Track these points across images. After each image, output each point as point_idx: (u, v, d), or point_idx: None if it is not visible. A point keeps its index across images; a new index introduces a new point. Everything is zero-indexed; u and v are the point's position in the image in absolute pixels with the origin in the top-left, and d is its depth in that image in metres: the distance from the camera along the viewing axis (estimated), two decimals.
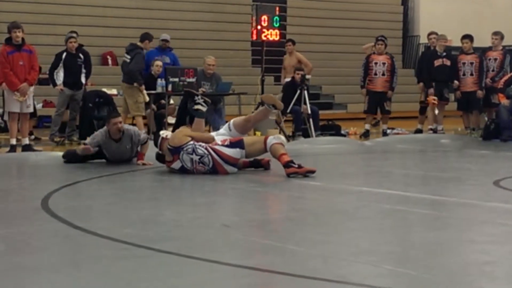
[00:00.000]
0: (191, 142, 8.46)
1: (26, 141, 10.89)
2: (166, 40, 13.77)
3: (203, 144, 8.47)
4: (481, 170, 9.24)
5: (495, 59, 14.00)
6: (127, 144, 9.50)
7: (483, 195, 7.25)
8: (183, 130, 8.94)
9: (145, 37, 13.06)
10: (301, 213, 6.38)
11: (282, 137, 8.53)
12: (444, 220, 6.08)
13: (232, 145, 8.49)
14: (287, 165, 8.22)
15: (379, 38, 14.78)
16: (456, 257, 4.82)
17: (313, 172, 8.25)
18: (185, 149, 8.43)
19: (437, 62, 14.25)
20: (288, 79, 14.66)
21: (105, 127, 9.59)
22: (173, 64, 13.56)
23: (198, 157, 8.41)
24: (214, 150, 8.41)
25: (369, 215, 6.34)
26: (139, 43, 12.98)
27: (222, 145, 8.48)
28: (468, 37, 14.28)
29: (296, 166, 8.21)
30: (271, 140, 8.46)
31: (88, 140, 10.08)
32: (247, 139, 8.65)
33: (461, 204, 6.76)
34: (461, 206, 6.66)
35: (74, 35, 12.71)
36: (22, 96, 10.65)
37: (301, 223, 5.94)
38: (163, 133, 8.93)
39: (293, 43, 15.73)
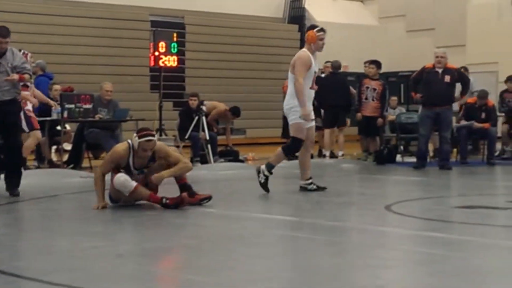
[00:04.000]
0: None
1: None
2: None
3: None
4: (374, 195, 9.45)
5: (374, 89, 14.32)
6: (9, 62, 8.95)
7: (376, 220, 7.44)
8: None
9: None
10: (197, 241, 6.37)
11: (123, 185, 7.99)
12: (339, 245, 6.18)
13: None
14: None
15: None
16: (350, 282, 4.91)
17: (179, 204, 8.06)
18: None
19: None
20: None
21: None
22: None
23: None
24: None
25: (265, 241, 6.40)
26: None
27: None
28: (374, 63, 14.46)
29: (164, 203, 8.04)
30: (120, 188, 7.99)
31: None
32: None
33: (355, 229, 6.90)
34: (355, 231, 6.80)
35: None
36: None
37: (198, 251, 5.93)
38: None
39: None
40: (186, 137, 13.67)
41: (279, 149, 9.63)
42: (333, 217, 7.72)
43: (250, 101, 22.00)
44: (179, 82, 21.98)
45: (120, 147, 8.22)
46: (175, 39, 14.50)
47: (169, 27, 19.61)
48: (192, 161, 13.60)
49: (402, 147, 14.92)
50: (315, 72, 9.43)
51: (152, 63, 14.71)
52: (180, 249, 6.13)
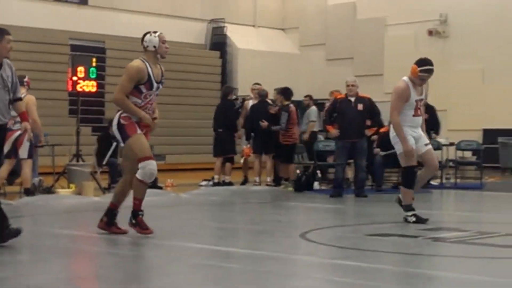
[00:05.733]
0: None
1: None
2: None
3: None
4: (290, 222, 9.53)
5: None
6: (7, 73, 7.47)
7: (290, 248, 7.51)
8: None
9: None
10: (111, 270, 6.33)
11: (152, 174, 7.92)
12: (251, 274, 6.21)
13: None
14: (131, 217, 7.95)
15: None
16: None
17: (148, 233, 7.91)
18: None
19: None
20: None
21: None
22: None
23: None
24: None
25: (180, 270, 6.39)
26: None
27: None
28: (277, 90, 15.07)
29: (133, 221, 7.88)
30: (146, 173, 7.79)
31: None
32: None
33: (269, 257, 6.93)
34: (269, 259, 6.83)
35: None
36: None
37: (110, 281, 5.89)
38: None
39: None
40: (104, 162, 13.57)
41: (401, 188, 9.48)
42: (248, 245, 7.76)
43: (170, 127, 21.96)
44: (98, 107, 21.81)
45: (133, 63, 8.02)
46: (94, 64, 14.35)
47: (89, 51, 19.45)
48: (110, 187, 13.50)
49: (320, 175, 15.10)
50: (416, 101, 9.19)
51: (70, 88, 14.52)
52: (93, 279, 6.07)
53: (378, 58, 24.94)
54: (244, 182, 15.21)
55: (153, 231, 7.87)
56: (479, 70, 23.05)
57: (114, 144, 13.41)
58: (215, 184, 14.67)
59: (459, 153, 16.30)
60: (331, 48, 26.36)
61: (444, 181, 15.63)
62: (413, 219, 9.18)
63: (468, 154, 17.44)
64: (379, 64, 24.83)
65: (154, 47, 8.08)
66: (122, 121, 7.94)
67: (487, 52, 22.53)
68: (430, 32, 24.08)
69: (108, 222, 8.07)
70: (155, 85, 8.06)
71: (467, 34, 23.13)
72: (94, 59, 14.52)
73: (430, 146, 9.38)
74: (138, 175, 7.81)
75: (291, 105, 14.72)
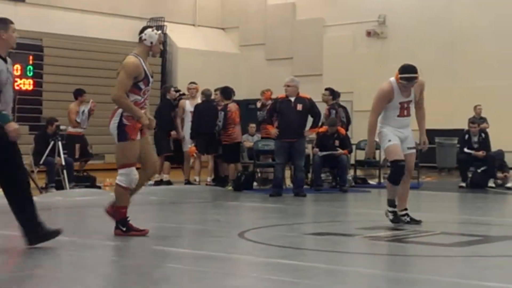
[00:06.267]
0: None
1: None
2: None
3: None
4: (229, 222, 9.53)
5: None
6: (11, 68, 7.31)
7: (228, 247, 7.51)
8: None
9: None
10: (46, 270, 6.25)
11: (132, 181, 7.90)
12: (190, 274, 6.20)
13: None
14: (116, 224, 7.93)
15: None
16: None
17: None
18: None
19: None
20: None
21: None
22: None
23: None
24: None
25: (116, 270, 6.35)
26: None
27: None
28: (218, 89, 15.19)
29: (124, 229, 7.86)
30: (128, 178, 7.83)
31: None
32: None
33: (208, 256, 6.92)
34: (207, 259, 6.82)
35: None
36: None
37: (42, 280, 5.82)
38: None
39: None
40: (41, 162, 13.38)
41: (386, 181, 9.28)
42: (187, 244, 7.74)
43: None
44: (35, 106, 21.49)
45: (129, 59, 7.86)
46: (31, 62, 14.17)
47: (26, 49, 19.17)
48: (47, 187, 13.34)
49: (259, 174, 15.16)
50: (402, 103, 8.92)
51: None
52: (23, 279, 5.98)
53: (317, 58, 25.14)
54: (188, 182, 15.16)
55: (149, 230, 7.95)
56: None
57: (52, 143, 13.24)
58: (156, 183, 14.64)
59: None
60: (270, 48, 26.48)
61: (382, 180, 15.82)
62: (391, 217, 9.03)
63: None
64: (318, 64, 25.03)
65: (151, 43, 7.94)
66: (125, 121, 7.81)
67: (425, 53, 22.86)
68: (369, 33, 24.38)
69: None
70: (151, 79, 7.97)
71: (405, 35, 23.47)
72: (31, 57, 14.36)
73: (413, 151, 9.18)
74: (122, 182, 7.83)
75: (230, 105, 14.70)
